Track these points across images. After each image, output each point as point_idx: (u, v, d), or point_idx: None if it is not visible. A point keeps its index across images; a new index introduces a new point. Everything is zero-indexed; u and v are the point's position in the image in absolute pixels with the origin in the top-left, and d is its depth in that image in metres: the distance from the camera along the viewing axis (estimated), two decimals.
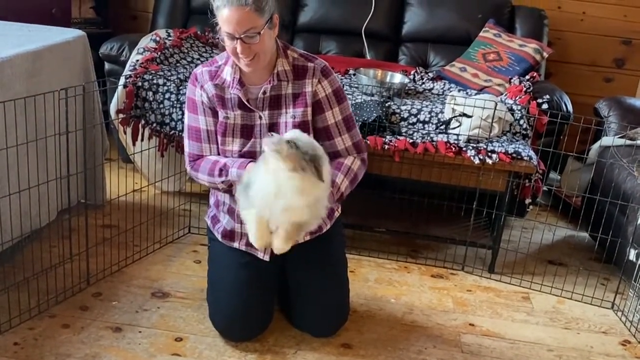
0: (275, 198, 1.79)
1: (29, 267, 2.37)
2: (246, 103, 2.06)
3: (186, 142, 2.17)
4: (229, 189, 2.07)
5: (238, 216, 2.09)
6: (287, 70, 2.07)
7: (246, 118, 2.07)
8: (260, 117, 2.08)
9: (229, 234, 2.21)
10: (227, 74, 2.07)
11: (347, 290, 2.33)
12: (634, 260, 2.60)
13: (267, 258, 2.17)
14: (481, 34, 3.64)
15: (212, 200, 2.31)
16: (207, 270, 2.34)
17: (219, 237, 2.24)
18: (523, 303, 2.69)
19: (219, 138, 2.10)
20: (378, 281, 2.74)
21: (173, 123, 3.04)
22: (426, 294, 2.68)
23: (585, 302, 2.72)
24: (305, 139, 1.82)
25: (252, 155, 2.08)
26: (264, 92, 2.07)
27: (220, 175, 2.05)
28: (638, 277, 2.57)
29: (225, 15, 1.87)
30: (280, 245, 1.89)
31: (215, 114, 2.10)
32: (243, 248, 2.20)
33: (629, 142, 3.04)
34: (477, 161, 2.71)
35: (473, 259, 2.94)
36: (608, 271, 2.92)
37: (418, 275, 2.83)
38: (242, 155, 2.10)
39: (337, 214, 2.29)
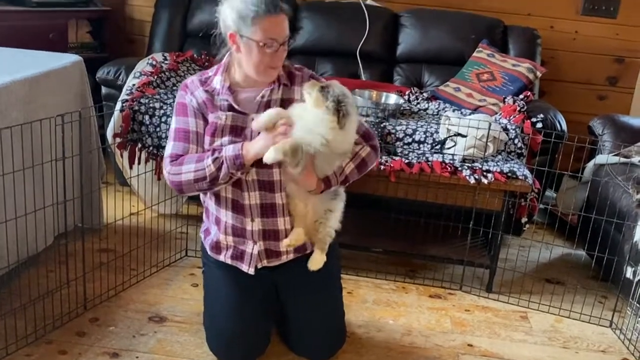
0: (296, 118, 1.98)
1: (25, 292, 2.36)
2: (236, 107, 2.07)
3: (169, 144, 2.09)
4: (217, 173, 1.98)
5: (224, 226, 2.12)
6: (283, 76, 2.12)
7: (237, 119, 2.06)
8: (253, 119, 2.05)
9: (216, 246, 2.20)
10: (217, 82, 2.09)
11: (342, 314, 2.32)
12: (631, 278, 2.61)
13: (252, 271, 2.16)
14: (475, 54, 3.67)
15: (204, 213, 2.28)
16: (204, 290, 2.33)
17: (208, 249, 2.23)
18: (521, 322, 2.68)
19: (208, 139, 2.06)
20: (376, 302, 2.73)
21: None
22: (424, 315, 2.67)
23: (583, 321, 2.72)
24: (339, 89, 1.98)
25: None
26: (262, 96, 2.08)
27: (212, 154, 1.99)
28: (635, 295, 2.58)
29: (267, 24, 1.95)
30: (271, 153, 1.90)
31: (204, 119, 2.08)
32: (229, 261, 2.19)
33: (623, 159, 3.05)
34: (472, 181, 2.73)
35: (471, 279, 2.94)
36: (605, 289, 2.93)
37: (416, 295, 2.83)
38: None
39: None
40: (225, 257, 2.19)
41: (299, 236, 2.12)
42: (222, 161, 1.98)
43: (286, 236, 2.12)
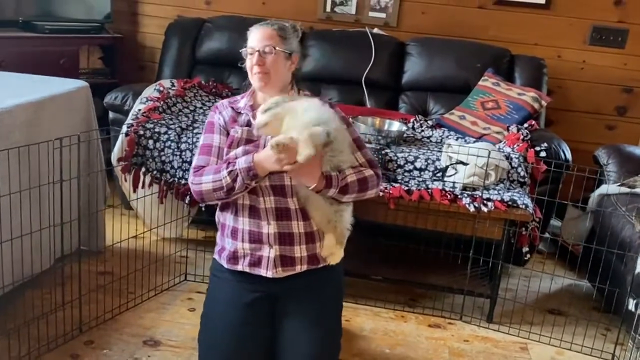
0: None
1: (21, 314, 2.38)
2: (253, 122, 2.20)
3: (195, 158, 2.28)
4: (233, 184, 2.10)
5: (241, 233, 2.18)
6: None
7: (251, 134, 2.21)
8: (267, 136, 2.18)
9: (233, 256, 2.23)
10: (243, 103, 2.29)
11: (338, 347, 2.28)
12: (633, 309, 2.56)
13: (270, 274, 2.18)
14: (480, 82, 3.68)
15: (218, 235, 2.34)
16: (204, 308, 2.32)
17: (224, 263, 2.25)
18: (521, 354, 2.64)
19: (226, 150, 2.22)
20: (373, 331, 2.71)
21: (173, 170, 3.08)
22: (422, 345, 2.64)
23: (585, 353, 2.67)
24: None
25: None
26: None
27: (227, 167, 2.13)
28: (638, 327, 2.52)
29: (253, 34, 2.18)
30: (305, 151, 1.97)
31: (227, 135, 2.25)
32: (247, 269, 2.21)
33: (627, 190, 3.02)
34: (472, 209, 2.71)
35: (471, 308, 2.90)
36: (608, 320, 2.87)
37: (415, 324, 2.80)
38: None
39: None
40: (243, 266, 2.21)
41: (330, 242, 2.22)
42: (237, 173, 2.10)
43: (300, 240, 2.19)
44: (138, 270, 2.79)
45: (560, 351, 2.68)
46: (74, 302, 2.46)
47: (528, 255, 2.90)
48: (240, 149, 2.19)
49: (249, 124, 2.23)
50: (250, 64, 2.18)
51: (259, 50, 2.14)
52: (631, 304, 2.57)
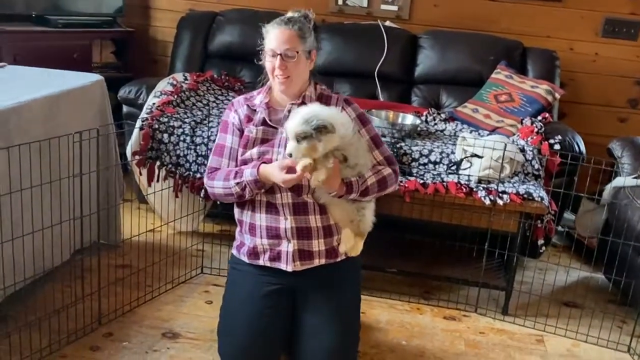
0: None
1: (41, 307, 2.40)
2: (268, 121, 2.23)
3: (210, 157, 2.33)
4: (242, 192, 2.17)
5: (259, 229, 2.21)
6: (313, 97, 2.26)
7: (266, 133, 2.23)
8: (282, 132, 2.19)
9: (253, 252, 2.26)
10: (259, 99, 2.30)
11: (357, 340, 2.30)
12: None
13: (289, 269, 2.21)
14: (493, 75, 3.67)
15: (237, 230, 2.36)
16: (223, 300, 2.34)
17: (245, 259, 2.27)
18: (537, 346, 2.65)
19: (240, 150, 2.24)
20: (389, 323, 2.72)
21: (188, 164, 3.09)
22: (438, 337, 2.65)
23: (600, 345, 2.67)
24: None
25: (267, 161, 2.18)
26: (289, 111, 2.20)
27: (235, 178, 2.17)
28: None
29: (273, 34, 2.16)
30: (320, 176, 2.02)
31: (241, 136, 2.26)
32: (268, 263, 2.23)
33: None
34: (487, 202, 2.72)
35: (486, 301, 2.91)
36: (623, 313, 2.88)
37: (430, 316, 2.81)
38: (259, 160, 2.20)
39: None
40: (264, 261, 2.24)
41: (348, 237, 2.25)
42: (245, 185, 2.15)
43: (318, 234, 2.21)
44: (155, 264, 2.81)
45: (576, 343, 2.69)
46: (93, 295, 2.48)
47: (543, 248, 2.90)
48: (255, 150, 2.22)
49: (264, 123, 2.25)
50: (271, 66, 2.19)
51: (280, 54, 2.15)
52: None
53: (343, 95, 2.35)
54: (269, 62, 2.19)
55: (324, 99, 2.27)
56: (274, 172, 2.08)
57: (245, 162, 2.22)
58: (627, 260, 2.74)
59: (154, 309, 2.66)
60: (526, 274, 3.15)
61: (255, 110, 2.28)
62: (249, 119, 2.26)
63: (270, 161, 2.16)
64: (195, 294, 2.82)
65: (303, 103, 2.22)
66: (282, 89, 2.21)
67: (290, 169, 2.04)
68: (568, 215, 3.67)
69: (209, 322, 2.58)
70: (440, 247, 2.95)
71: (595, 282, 3.23)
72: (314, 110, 2.04)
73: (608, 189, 3.14)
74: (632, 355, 2.63)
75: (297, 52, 2.16)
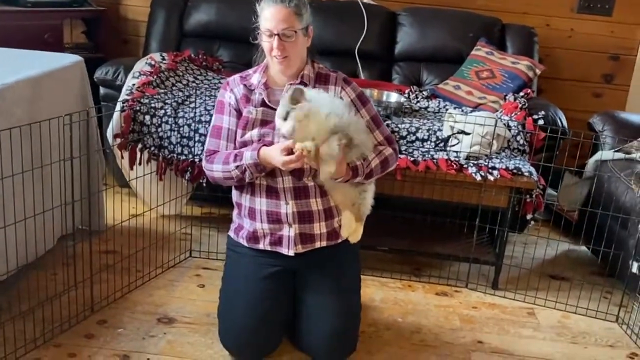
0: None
1: (33, 295, 2.33)
2: (268, 102, 2.18)
3: (207, 139, 2.28)
4: (242, 175, 2.13)
5: (260, 214, 2.17)
6: (311, 77, 2.21)
7: (266, 114, 2.17)
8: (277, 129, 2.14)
9: (253, 236, 2.23)
10: (255, 79, 2.23)
11: (359, 320, 2.30)
12: (637, 273, 2.62)
13: (291, 253, 2.19)
14: (473, 52, 3.68)
15: (234, 213, 2.32)
16: (222, 284, 2.32)
17: (244, 242, 2.24)
18: (529, 319, 2.69)
19: (239, 132, 2.19)
20: (384, 301, 2.73)
21: (171, 146, 3.02)
22: (432, 313, 2.67)
23: (589, 316, 2.73)
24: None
25: (268, 144, 2.14)
26: (287, 91, 2.14)
27: (234, 161, 2.13)
28: None
29: (268, 13, 2.09)
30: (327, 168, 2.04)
31: (239, 116, 2.21)
32: (268, 248, 2.21)
33: (623, 155, 3.08)
34: (479, 178, 2.73)
35: (476, 276, 2.94)
36: (609, 284, 2.94)
37: (422, 293, 2.83)
38: (259, 142, 2.16)
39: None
40: (264, 245, 2.22)
41: (349, 220, 2.25)
42: (245, 168, 2.11)
43: (320, 217, 2.19)
44: (144, 249, 2.75)
45: (566, 315, 2.74)
46: (85, 282, 2.41)
47: (532, 222, 2.93)
48: (255, 131, 2.18)
49: (263, 104, 2.20)
50: (268, 46, 2.13)
51: (278, 34, 2.09)
52: (635, 267, 2.64)
53: (342, 74, 2.30)
54: (266, 42, 2.13)
55: (322, 78, 2.24)
56: (274, 154, 2.05)
57: (245, 144, 2.17)
58: (612, 232, 2.80)
59: (146, 295, 2.60)
60: (509, 248, 3.19)
61: (252, 90, 2.22)
62: (247, 99, 2.21)
63: (270, 144, 2.12)
64: (186, 277, 2.78)
65: (302, 83, 2.18)
66: (280, 69, 2.16)
67: (292, 152, 2.01)
68: (549, 190, 3.72)
69: (203, 305, 2.54)
70: (430, 224, 2.96)
71: (576, 254, 3.30)
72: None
73: (591, 163, 3.19)
74: (620, 324, 2.69)
75: (295, 32, 2.10)
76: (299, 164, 2.02)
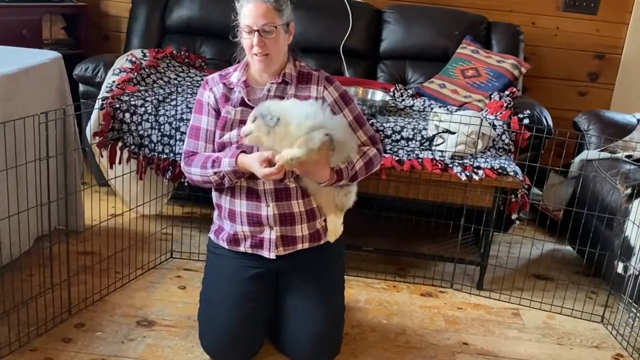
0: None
1: (8, 298, 2.26)
2: (247, 101, 2.14)
3: (186, 140, 2.23)
4: (221, 181, 2.09)
5: (240, 216, 2.13)
6: (293, 75, 2.16)
7: (245, 114, 2.11)
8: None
9: (234, 238, 2.18)
10: (235, 77, 2.18)
11: (342, 323, 2.27)
12: (622, 273, 2.61)
13: (272, 256, 2.15)
14: (459, 50, 3.65)
15: (215, 214, 2.28)
16: (203, 285, 2.28)
17: (225, 245, 2.20)
18: (514, 319, 2.67)
19: (218, 133, 2.14)
20: (368, 302, 2.69)
21: (152, 145, 2.96)
22: (417, 314, 2.64)
23: (575, 317, 2.71)
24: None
25: (248, 149, 2.09)
26: (268, 90, 2.13)
27: (212, 166, 2.09)
28: (627, 290, 2.58)
29: (247, 9, 2.04)
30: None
31: (218, 116, 2.16)
32: (249, 250, 2.17)
33: (609, 155, 3.06)
34: (464, 178, 2.70)
35: (461, 276, 2.91)
36: (594, 284, 2.93)
37: (407, 294, 2.80)
38: (238, 146, 2.11)
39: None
40: (245, 247, 2.18)
41: (335, 225, 2.23)
42: (223, 174, 2.07)
43: (301, 219, 2.15)
44: (124, 250, 2.69)
45: (551, 315, 2.72)
46: (62, 284, 2.35)
47: (517, 222, 2.91)
48: (234, 132, 2.13)
49: (243, 103, 2.15)
50: (248, 43, 2.08)
51: (257, 30, 2.04)
52: (620, 267, 2.62)
53: (324, 73, 2.25)
54: (246, 40, 2.08)
55: (304, 77, 2.19)
56: (253, 164, 2.00)
57: (223, 145, 2.12)
58: (596, 232, 2.79)
59: (125, 297, 2.55)
60: (494, 248, 3.17)
61: (232, 89, 2.17)
62: (226, 99, 2.16)
63: (249, 147, 2.07)
64: (167, 279, 2.72)
65: (284, 82, 2.14)
66: (261, 67, 2.11)
67: (271, 163, 1.97)
68: (533, 189, 3.71)
69: (184, 308, 2.49)
70: (415, 224, 2.93)
71: (561, 254, 3.28)
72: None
73: (576, 162, 3.18)
74: (605, 325, 2.68)
75: (276, 27, 2.06)
76: (280, 175, 1.99)
